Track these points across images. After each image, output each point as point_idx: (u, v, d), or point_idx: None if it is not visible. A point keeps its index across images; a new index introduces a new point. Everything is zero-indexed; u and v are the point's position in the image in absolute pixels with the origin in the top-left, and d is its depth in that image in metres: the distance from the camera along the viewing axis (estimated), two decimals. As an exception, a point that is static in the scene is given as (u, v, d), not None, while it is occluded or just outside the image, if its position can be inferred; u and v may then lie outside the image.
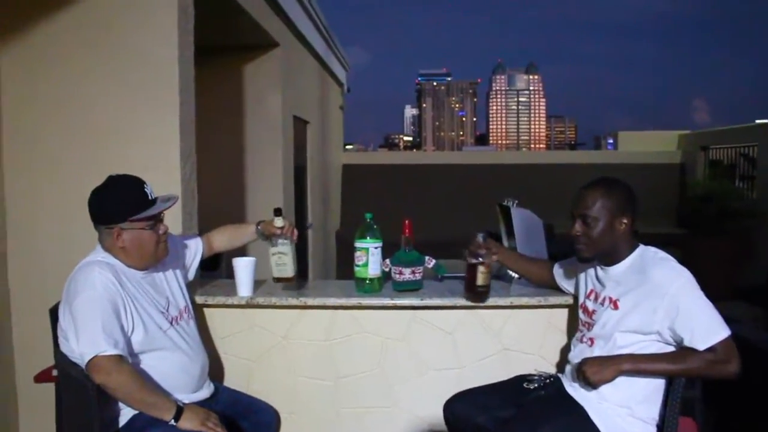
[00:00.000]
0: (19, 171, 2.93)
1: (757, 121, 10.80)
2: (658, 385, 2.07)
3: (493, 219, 4.01)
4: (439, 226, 10.17)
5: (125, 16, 2.89)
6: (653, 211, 10.14)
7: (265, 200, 5.66)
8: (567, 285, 2.50)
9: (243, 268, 2.63)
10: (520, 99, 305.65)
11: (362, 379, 2.68)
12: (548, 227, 8.63)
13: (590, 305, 2.23)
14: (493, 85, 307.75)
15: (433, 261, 2.68)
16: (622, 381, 2.04)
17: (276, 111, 5.66)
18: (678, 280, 2.02)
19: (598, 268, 2.24)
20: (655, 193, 10.30)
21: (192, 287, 2.56)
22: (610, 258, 2.16)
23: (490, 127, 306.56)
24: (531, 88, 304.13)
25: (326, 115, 8.75)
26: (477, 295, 2.48)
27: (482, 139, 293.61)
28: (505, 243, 4.39)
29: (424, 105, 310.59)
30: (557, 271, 2.54)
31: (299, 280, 2.73)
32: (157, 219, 2.17)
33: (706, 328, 1.97)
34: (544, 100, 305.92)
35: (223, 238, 2.63)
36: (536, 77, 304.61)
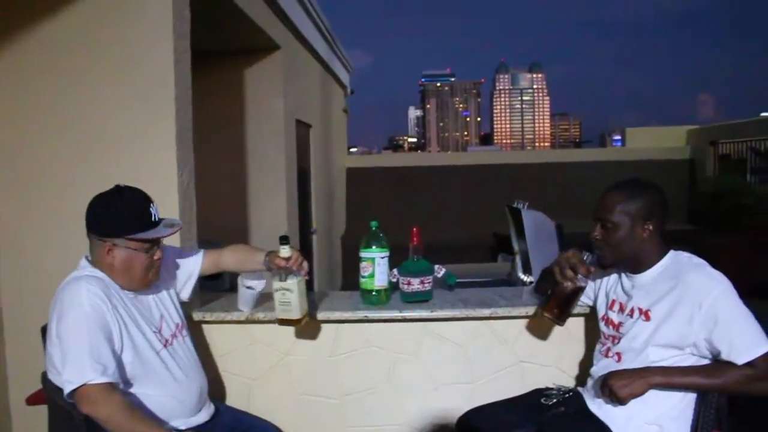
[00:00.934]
0: (9, 181, 2.81)
1: (762, 115, 10.66)
2: (690, 400, 1.93)
3: (500, 220, 3.89)
4: (446, 228, 10.08)
5: (119, 21, 2.76)
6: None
7: (269, 205, 5.57)
8: (584, 299, 2.30)
9: (248, 294, 2.47)
10: (524, 98, 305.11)
11: (370, 396, 2.55)
12: (557, 227, 8.52)
13: (615, 317, 2.07)
14: (497, 84, 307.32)
15: (443, 269, 2.55)
16: (652, 397, 1.90)
17: (278, 115, 5.55)
18: (717, 287, 1.87)
19: (624, 276, 2.09)
20: (665, 189, 10.15)
21: (188, 301, 2.43)
22: (637, 264, 2.02)
23: (495, 126, 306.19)
24: (535, 86, 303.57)
25: (329, 118, 8.63)
26: (565, 317, 2.18)
27: (487, 139, 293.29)
28: (515, 246, 4.26)
29: (428, 106, 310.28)
30: None
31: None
32: (155, 243, 2.02)
33: (747, 340, 1.82)
34: (548, 98, 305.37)
35: (233, 260, 2.37)
36: (540, 76, 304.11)
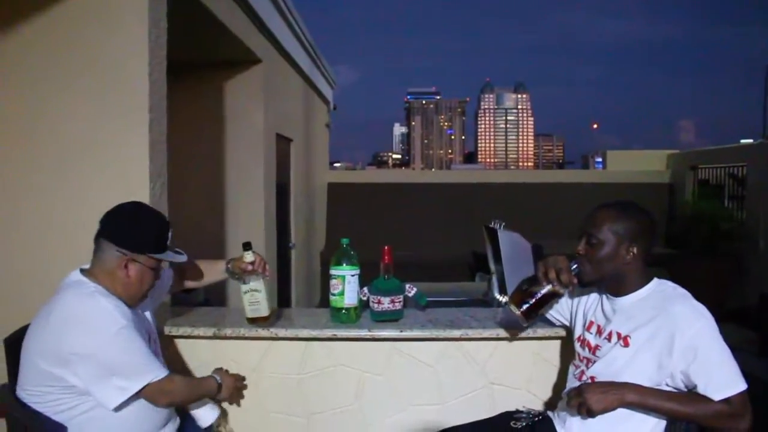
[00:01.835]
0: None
1: (742, 141, 10.81)
2: (661, 428, 1.90)
3: (480, 238, 3.88)
4: (427, 246, 10.06)
5: (95, 30, 2.74)
6: (642, 230, 10.16)
7: (247, 218, 5.52)
8: (558, 316, 2.31)
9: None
10: (509, 117, 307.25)
11: (337, 416, 2.50)
12: (537, 248, 8.46)
13: (592, 339, 2.05)
14: (482, 103, 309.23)
15: (414, 289, 2.52)
16: (622, 422, 1.88)
17: (258, 128, 5.52)
18: (700, 320, 1.85)
19: (605, 297, 2.07)
20: (644, 212, 10.28)
21: (160, 315, 2.40)
22: (618, 287, 2.00)
23: (479, 145, 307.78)
24: (519, 106, 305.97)
25: (311, 133, 8.61)
26: (531, 317, 2.13)
27: (471, 157, 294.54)
28: (492, 266, 4.24)
29: (413, 123, 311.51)
30: None
31: (280, 308, 2.57)
32: (161, 266, 2.09)
33: (725, 377, 1.81)
34: (532, 118, 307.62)
35: (193, 274, 2.44)
36: (524, 96, 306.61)
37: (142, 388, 1.88)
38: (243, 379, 2.39)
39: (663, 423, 1.90)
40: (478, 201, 10.37)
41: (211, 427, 2.37)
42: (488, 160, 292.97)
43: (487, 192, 10.84)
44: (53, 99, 2.75)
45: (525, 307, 2.08)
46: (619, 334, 1.95)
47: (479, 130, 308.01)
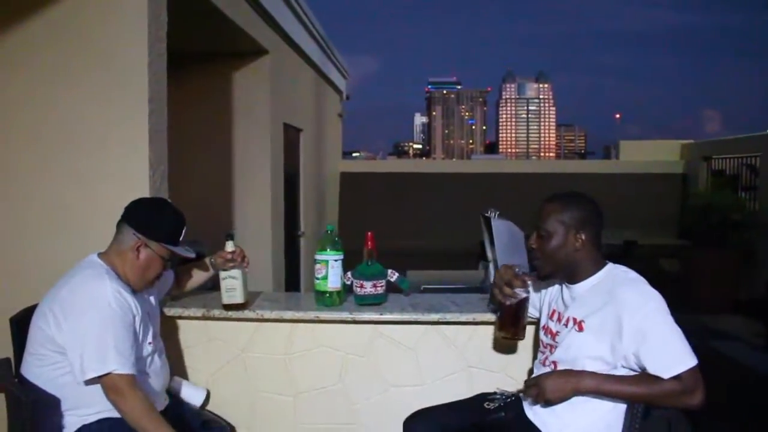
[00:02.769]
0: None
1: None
2: (621, 410, 1.97)
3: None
4: (440, 235, 10.13)
5: (96, 23, 2.84)
6: (654, 221, 10.08)
7: (254, 206, 5.64)
8: (532, 310, 2.35)
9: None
10: (530, 107, 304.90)
11: (322, 395, 2.61)
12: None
13: (553, 326, 2.13)
14: (503, 93, 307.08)
15: (396, 274, 2.61)
16: (582, 407, 1.96)
17: (265, 118, 5.62)
18: (648, 304, 1.92)
19: (564, 286, 2.14)
20: (657, 203, 10.20)
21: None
22: (573, 275, 2.08)
23: (500, 135, 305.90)
24: (541, 96, 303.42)
25: (322, 123, 8.70)
26: (521, 331, 2.23)
27: (492, 148, 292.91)
28: (489, 255, 4.32)
29: (434, 113, 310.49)
30: None
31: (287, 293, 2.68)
32: (171, 258, 2.24)
33: (673, 355, 1.87)
34: (554, 108, 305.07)
35: (186, 278, 2.62)
36: (546, 86, 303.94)
37: (102, 375, 1.97)
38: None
39: (622, 403, 1.97)
40: (493, 191, 10.41)
41: (200, 406, 2.50)
42: (509, 150, 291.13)
43: (502, 182, 10.84)
44: (56, 88, 2.85)
45: (511, 329, 2.21)
46: (574, 320, 2.03)
47: (500, 120, 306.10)
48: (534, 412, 2.08)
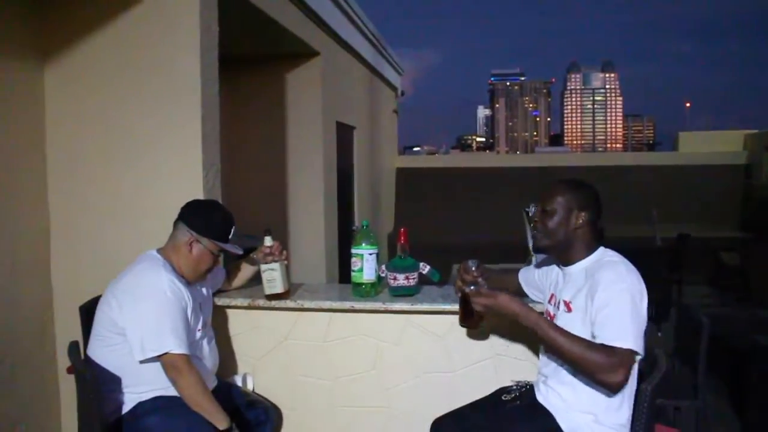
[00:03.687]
0: (63, 176, 3.16)
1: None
2: (626, 394, 2.07)
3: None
4: (495, 229, 10.15)
5: (155, 35, 3.08)
6: (716, 213, 9.84)
7: (306, 202, 5.87)
8: (531, 291, 2.52)
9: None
10: (596, 98, 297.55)
11: (358, 380, 2.79)
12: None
13: (551, 310, 2.25)
14: (568, 84, 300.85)
15: (428, 267, 2.75)
16: (581, 387, 2.08)
17: (317, 117, 5.85)
18: (618, 284, 2.02)
19: (559, 269, 2.28)
20: (719, 195, 9.95)
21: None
22: (568, 255, 2.20)
23: (565, 126, 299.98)
24: (607, 86, 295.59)
25: (376, 120, 8.90)
26: (476, 322, 2.41)
27: (557, 139, 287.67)
28: (530, 248, 4.42)
29: (497, 105, 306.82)
30: (521, 278, 2.58)
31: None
32: (220, 254, 2.49)
33: (618, 330, 1.95)
34: (620, 98, 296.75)
35: (235, 276, 2.88)
36: (612, 75, 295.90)
37: (161, 355, 2.23)
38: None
39: (630, 389, 2.07)
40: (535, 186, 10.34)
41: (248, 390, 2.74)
42: (575, 142, 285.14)
43: (557, 174, 10.74)
44: (120, 98, 3.11)
45: (462, 317, 2.40)
46: (565, 302, 2.16)
47: (565, 111, 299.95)
48: (543, 397, 2.21)
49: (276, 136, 5.81)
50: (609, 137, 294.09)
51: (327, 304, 2.73)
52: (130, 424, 2.28)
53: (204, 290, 2.58)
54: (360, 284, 2.72)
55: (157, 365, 2.27)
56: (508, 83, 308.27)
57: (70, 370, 2.93)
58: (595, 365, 1.94)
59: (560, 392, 2.14)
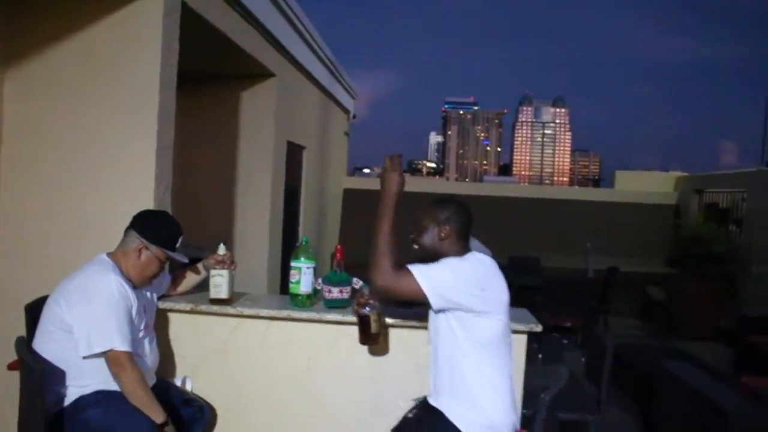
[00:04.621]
0: (12, 182, 3.29)
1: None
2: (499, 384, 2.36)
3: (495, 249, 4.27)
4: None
5: (118, 50, 3.26)
6: (646, 250, 10.39)
7: (253, 218, 6.01)
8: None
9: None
10: (546, 131, 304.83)
11: (293, 385, 2.99)
12: (535, 261, 8.90)
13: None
14: (519, 116, 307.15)
15: (360, 282, 2.99)
16: (458, 390, 2.36)
17: (269, 136, 6.01)
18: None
19: None
20: (650, 232, 10.53)
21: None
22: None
23: (515, 157, 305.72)
24: (557, 120, 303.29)
25: (327, 141, 9.11)
26: (374, 340, 2.74)
27: (506, 169, 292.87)
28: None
29: (449, 132, 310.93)
30: None
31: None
32: (166, 261, 2.67)
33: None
34: (569, 133, 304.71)
35: (181, 281, 3.06)
36: (563, 110, 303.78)
37: (106, 351, 2.40)
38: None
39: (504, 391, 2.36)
40: (492, 214, 10.72)
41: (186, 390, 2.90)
42: (523, 172, 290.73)
43: (504, 205, 11.10)
44: (76, 107, 3.26)
45: (360, 335, 2.73)
46: None
47: (516, 142, 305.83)
48: (434, 399, 2.46)
49: (228, 151, 5.95)
50: (556, 170, 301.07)
51: (265, 312, 2.93)
52: (72, 416, 2.44)
53: (149, 294, 2.75)
54: (297, 295, 2.94)
55: (100, 361, 2.43)
56: (461, 111, 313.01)
57: (11, 366, 3.03)
58: (381, 262, 2.30)
59: (442, 395, 2.41)
